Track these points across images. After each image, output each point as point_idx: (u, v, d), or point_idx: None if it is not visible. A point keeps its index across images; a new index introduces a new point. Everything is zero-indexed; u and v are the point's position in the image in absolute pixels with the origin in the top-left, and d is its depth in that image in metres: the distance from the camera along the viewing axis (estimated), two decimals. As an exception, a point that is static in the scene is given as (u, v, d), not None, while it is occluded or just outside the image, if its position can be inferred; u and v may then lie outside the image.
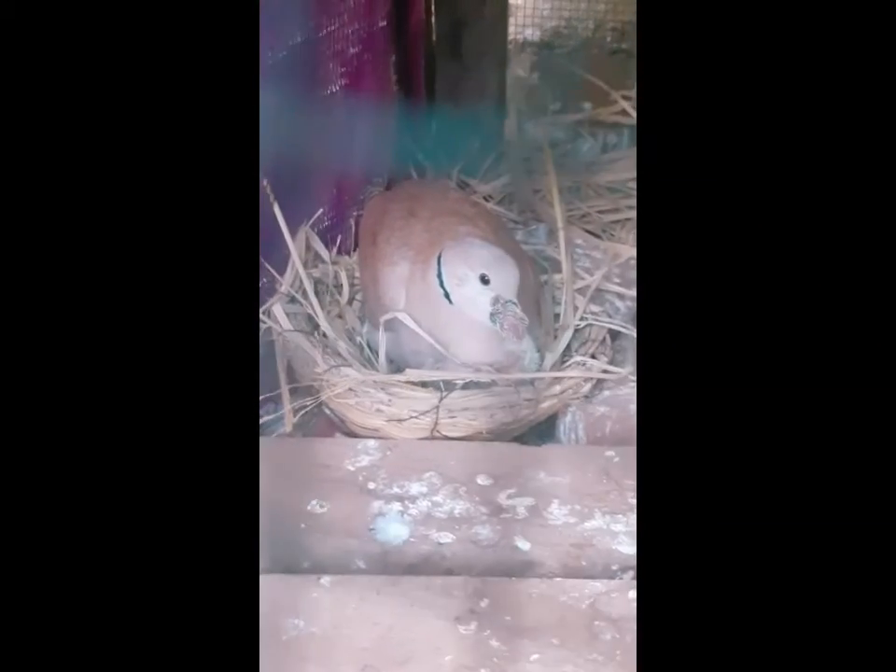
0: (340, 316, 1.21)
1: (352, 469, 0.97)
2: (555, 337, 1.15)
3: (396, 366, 1.13)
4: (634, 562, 0.85)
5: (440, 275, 1.04)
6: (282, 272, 1.19)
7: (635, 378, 1.07)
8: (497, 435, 1.06)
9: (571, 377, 1.09)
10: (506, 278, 1.02)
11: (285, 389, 1.11)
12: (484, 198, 1.47)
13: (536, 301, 1.12)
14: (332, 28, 1.22)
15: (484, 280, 1.02)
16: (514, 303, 1.01)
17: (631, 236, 1.37)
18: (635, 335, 1.12)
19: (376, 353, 1.12)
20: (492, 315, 1.02)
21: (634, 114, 1.53)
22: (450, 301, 1.05)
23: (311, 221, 1.23)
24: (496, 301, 1.02)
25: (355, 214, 1.31)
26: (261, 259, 1.14)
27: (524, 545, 0.89)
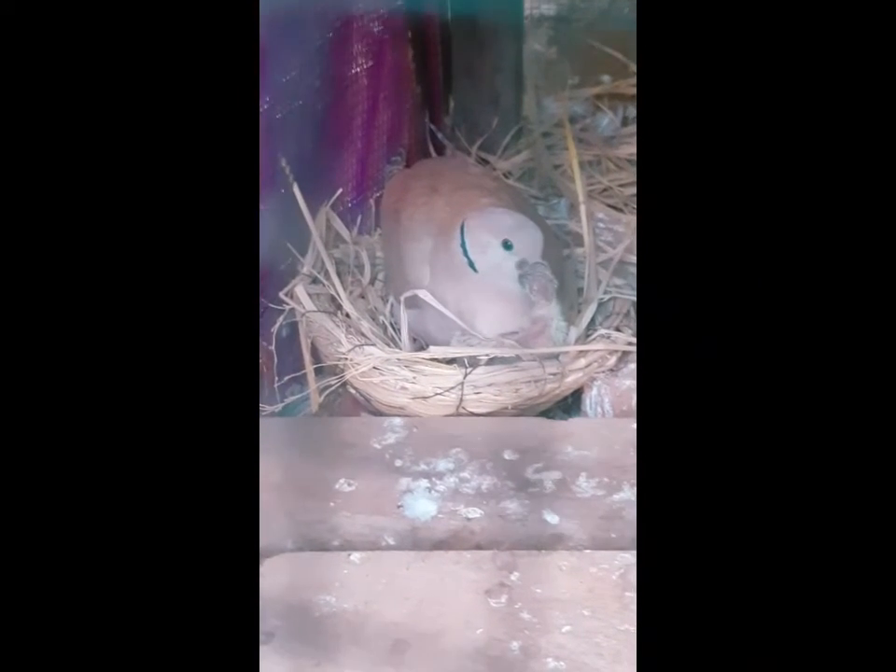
0: (362, 296, 1.21)
1: (378, 447, 0.97)
2: (579, 311, 1.15)
3: (419, 345, 1.13)
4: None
5: (463, 245, 1.04)
6: (303, 253, 1.19)
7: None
8: (522, 410, 1.06)
9: (596, 350, 1.08)
10: (529, 242, 1.01)
11: (309, 369, 1.11)
12: (504, 174, 1.47)
13: (559, 275, 1.12)
14: (358, 8, 1.22)
15: (507, 245, 1.02)
16: (544, 265, 1.01)
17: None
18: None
19: (401, 331, 1.12)
20: (521, 276, 1.02)
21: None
22: (475, 270, 1.04)
23: (331, 202, 1.23)
24: (521, 265, 1.02)
25: (375, 194, 1.31)
26: (284, 241, 1.15)
27: (552, 518, 0.89)
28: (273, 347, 1.11)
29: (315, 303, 1.14)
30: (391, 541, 0.88)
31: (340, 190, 1.23)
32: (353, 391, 1.12)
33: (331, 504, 0.91)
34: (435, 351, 1.07)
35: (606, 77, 1.61)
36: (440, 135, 1.47)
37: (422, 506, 0.91)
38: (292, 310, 1.14)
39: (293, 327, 1.15)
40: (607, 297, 1.16)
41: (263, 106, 1.07)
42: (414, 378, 1.05)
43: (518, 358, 1.06)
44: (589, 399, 1.10)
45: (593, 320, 1.14)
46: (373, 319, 1.17)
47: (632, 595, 0.79)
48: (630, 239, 1.25)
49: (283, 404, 1.10)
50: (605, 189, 1.43)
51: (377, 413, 1.10)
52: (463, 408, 1.05)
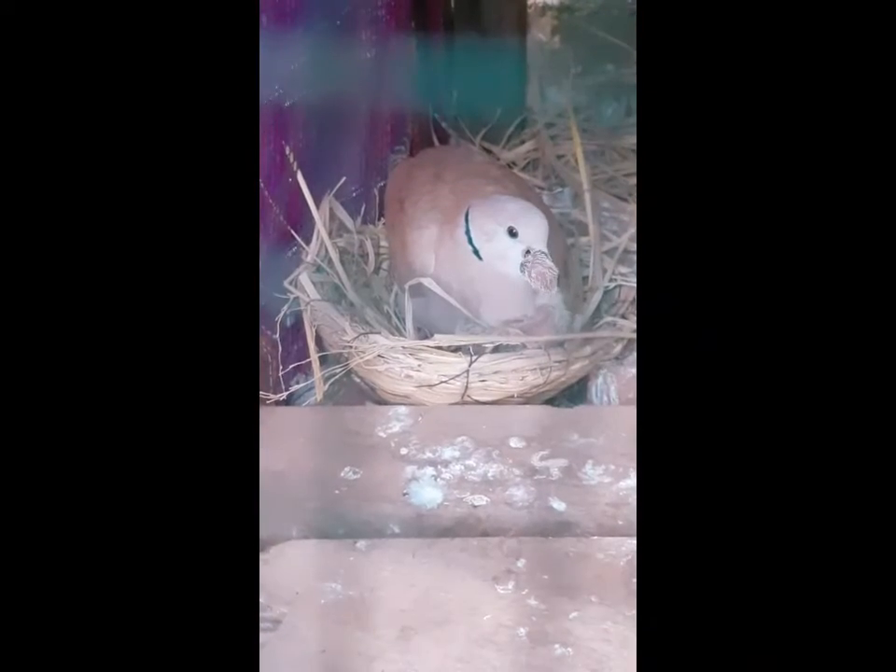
0: (366, 285, 1.21)
1: (384, 435, 0.97)
2: (584, 299, 1.14)
3: (424, 333, 1.13)
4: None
5: (468, 232, 1.04)
6: (308, 242, 1.19)
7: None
8: (528, 398, 1.06)
9: (602, 337, 1.08)
10: (535, 229, 1.01)
11: (314, 358, 1.11)
12: (508, 165, 1.46)
13: (563, 263, 1.11)
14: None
15: (512, 233, 1.02)
16: (544, 253, 1.01)
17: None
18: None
19: (405, 320, 1.12)
20: (521, 265, 1.01)
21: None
22: (479, 258, 1.04)
23: (334, 191, 1.23)
24: (526, 252, 1.01)
25: (379, 183, 1.31)
26: (289, 229, 1.14)
27: (559, 506, 0.89)
28: (277, 336, 1.10)
29: (319, 292, 1.14)
30: (397, 529, 0.88)
31: (343, 179, 1.23)
32: (357, 380, 1.12)
33: (337, 492, 0.90)
34: (440, 339, 1.07)
35: (609, 67, 1.61)
36: (443, 125, 1.46)
37: (428, 494, 0.90)
38: (296, 299, 1.14)
39: (297, 315, 1.15)
40: (612, 285, 1.16)
41: (273, 95, 1.07)
42: (419, 366, 1.05)
43: (523, 346, 1.05)
44: (595, 387, 1.10)
45: (598, 308, 1.14)
46: (378, 308, 1.17)
47: (639, 582, 0.78)
48: (635, 228, 1.24)
49: (287, 393, 1.10)
50: (609, 179, 1.43)
51: (382, 401, 1.10)
52: (468, 396, 1.04)
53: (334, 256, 1.18)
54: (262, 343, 1.09)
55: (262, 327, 1.08)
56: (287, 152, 1.11)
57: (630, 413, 0.98)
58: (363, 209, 1.28)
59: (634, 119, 1.53)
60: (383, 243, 1.26)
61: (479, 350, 1.05)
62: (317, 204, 1.19)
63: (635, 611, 0.75)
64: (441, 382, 1.04)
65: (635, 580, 0.78)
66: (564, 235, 1.20)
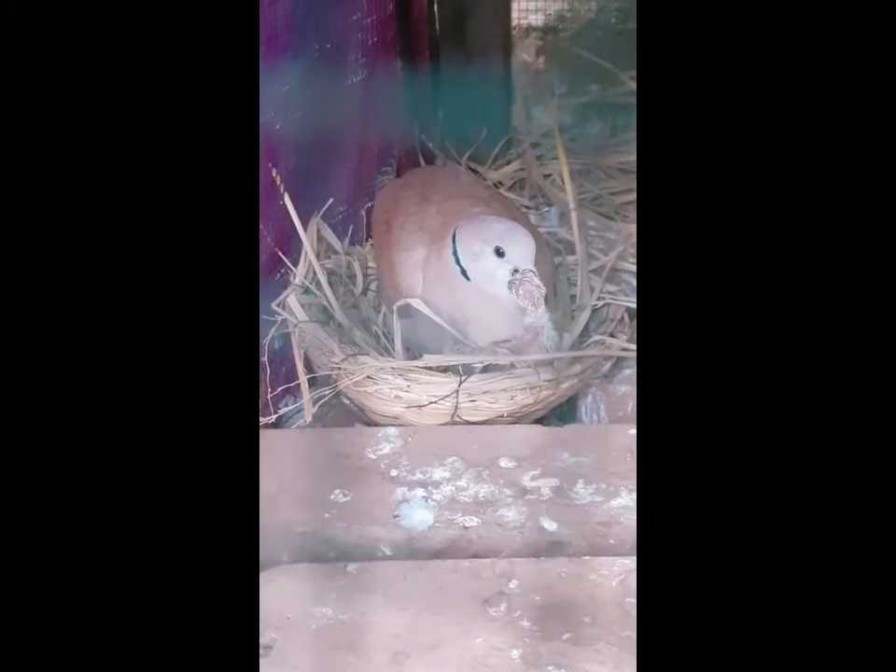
0: (354, 307, 1.21)
1: (373, 457, 0.97)
2: (573, 318, 1.15)
3: (413, 354, 1.12)
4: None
5: (455, 253, 1.04)
6: (296, 263, 1.19)
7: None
8: (518, 418, 1.06)
9: (590, 356, 1.08)
10: (522, 249, 1.01)
11: (303, 380, 1.10)
12: (495, 185, 1.47)
13: (551, 282, 1.12)
14: (354, 17, 1.22)
15: (499, 252, 1.02)
16: (532, 271, 1.01)
17: (644, 217, 1.36)
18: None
19: (394, 341, 1.11)
20: (509, 284, 1.02)
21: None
22: (467, 278, 1.04)
23: (321, 212, 1.23)
24: (514, 272, 1.01)
25: (366, 204, 1.31)
26: (277, 251, 1.14)
27: (550, 525, 0.88)
28: (265, 358, 1.10)
29: (307, 314, 1.14)
30: (388, 552, 0.87)
31: (331, 200, 1.23)
32: (347, 401, 1.11)
33: (327, 515, 0.90)
34: (429, 359, 1.06)
35: (594, 87, 1.62)
36: (430, 145, 1.46)
37: (419, 515, 0.90)
38: (285, 321, 1.14)
39: (286, 338, 1.14)
40: (600, 303, 1.16)
41: (263, 118, 1.07)
42: (409, 387, 1.05)
43: (512, 366, 1.05)
44: (584, 406, 1.10)
45: (587, 327, 1.14)
46: (366, 329, 1.16)
47: (632, 601, 0.78)
48: (622, 246, 1.25)
49: (276, 415, 1.09)
50: (595, 198, 1.43)
51: (371, 422, 1.09)
52: (458, 416, 1.04)
53: (322, 277, 1.18)
54: (251, 365, 1.09)
55: (251, 349, 1.08)
56: (274, 174, 1.11)
57: (620, 431, 0.99)
58: (350, 230, 1.29)
59: (618, 139, 1.55)
60: (370, 264, 1.26)
61: (468, 370, 1.05)
62: (305, 226, 1.19)
63: (628, 632, 0.76)
64: (431, 402, 1.04)
65: (628, 599, 0.78)
66: (551, 254, 1.20)
